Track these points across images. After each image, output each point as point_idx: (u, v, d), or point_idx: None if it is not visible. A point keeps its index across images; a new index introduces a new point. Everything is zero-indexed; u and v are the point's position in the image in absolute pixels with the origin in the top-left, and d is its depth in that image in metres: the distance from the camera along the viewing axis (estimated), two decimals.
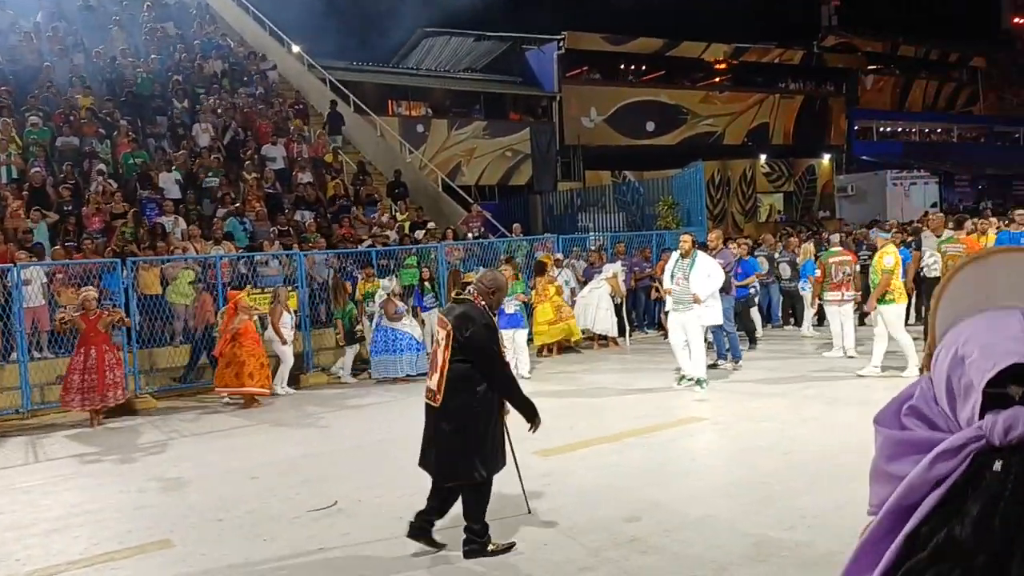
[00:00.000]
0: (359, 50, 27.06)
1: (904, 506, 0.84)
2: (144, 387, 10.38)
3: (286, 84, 20.94)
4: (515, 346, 10.14)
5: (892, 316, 8.75)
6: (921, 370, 0.97)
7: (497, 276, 4.78)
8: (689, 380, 8.87)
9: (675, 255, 9.11)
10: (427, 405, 4.54)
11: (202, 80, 18.76)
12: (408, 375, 10.63)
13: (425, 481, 4.60)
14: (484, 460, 4.35)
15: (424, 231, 15.23)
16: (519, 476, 4.96)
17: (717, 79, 30.27)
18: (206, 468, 6.91)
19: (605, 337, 12.87)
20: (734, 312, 10.69)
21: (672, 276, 8.94)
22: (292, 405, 9.70)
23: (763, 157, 29.16)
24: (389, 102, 24.21)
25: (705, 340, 12.14)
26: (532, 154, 25.67)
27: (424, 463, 4.54)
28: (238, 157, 16.20)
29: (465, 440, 4.35)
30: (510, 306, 10.14)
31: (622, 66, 28.94)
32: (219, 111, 17.40)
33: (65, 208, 12.64)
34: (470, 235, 15.49)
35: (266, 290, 11.27)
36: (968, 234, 11.50)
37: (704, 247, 13.76)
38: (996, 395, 0.82)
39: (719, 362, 10.11)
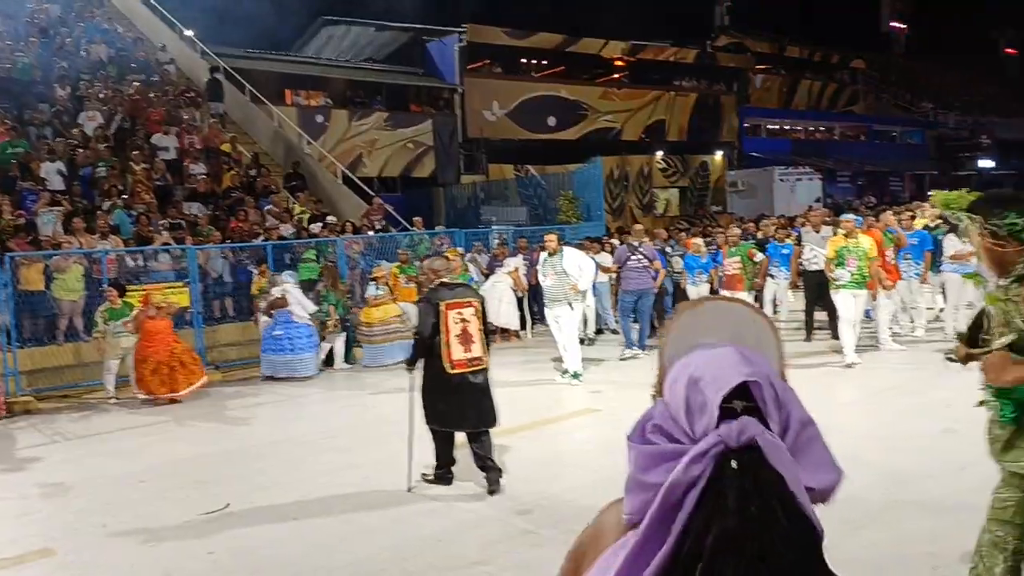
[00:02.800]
0: (256, 38, 26.28)
1: (669, 504, 1.01)
2: (25, 388, 9.90)
3: (177, 71, 20.21)
4: None
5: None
6: (654, 396, 1.17)
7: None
8: (567, 373, 9.15)
9: (544, 253, 9.38)
10: (466, 373, 5.50)
11: (87, 66, 17.92)
12: (303, 373, 10.52)
13: (317, 482, 4.64)
14: None
15: (323, 225, 15.03)
16: (409, 455, 5.40)
17: (616, 76, 30.93)
18: (91, 472, 6.70)
19: (506, 330, 13.08)
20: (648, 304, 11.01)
21: (544, 274, 9.21)
22: (184, 404, 9.46)
23: (659, 153, 30.01)
24: (287, 91, 23.68)
25: (612, 331, 12.68)
26: (435, 146, 25.63)
27: (462, 421, 5.55)
28: (125, 147, 15.56)
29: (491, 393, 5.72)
30: None
31: (523, 60, 29.21)
32: (105, 98, 16.67)
33: None
34: (371, 230, 15.39)
35: (144, 287, 10.87)
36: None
37: (599, 241, 14.25)
38: (726, 410, 1.04)
39: (637, 351, 10.49)
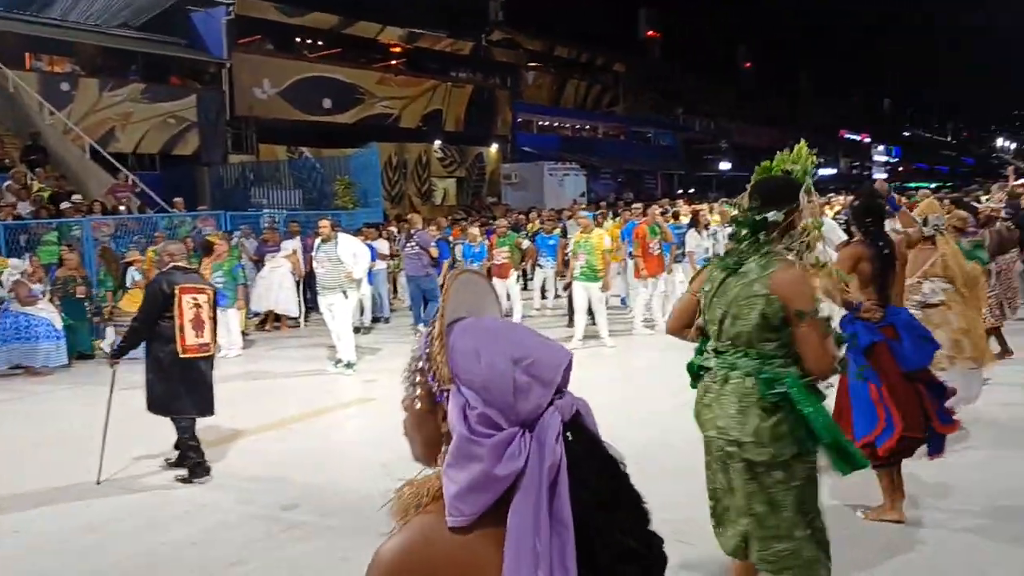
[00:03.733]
0: None
1: (546, 487, 1.05)
2: None
3: None
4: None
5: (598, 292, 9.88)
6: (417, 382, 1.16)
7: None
8: (340, 363, 9.07)
9: (317, 240, 9.26)
10: (199, 358, 5.50)
11: None
12: (45, 366, 9.53)
13: (50, 485, 4.23)
14: None
15: (69, 203, 13.60)
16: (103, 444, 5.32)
17: (393, 62, 30.77)
18: None
19: (280, 317, 12.65)
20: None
21: (317, 260, 9.08)
22: None
23: (437, 142, 30.30)
24: (27, 55, 21.08)
25: (385, 320, 12.62)
26: (199, 123, 24.03)
27: (183, 406, 5.48)
28: None
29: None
30: None
31: (297, 39, 28.19)
32: None
33: None
34: (121, 207, 14.16)
35: None
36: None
37: (377, 228, 14.16)
38: None
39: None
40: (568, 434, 1.07)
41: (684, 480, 4.01)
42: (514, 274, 11.23)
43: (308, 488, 5.24)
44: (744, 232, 2.96)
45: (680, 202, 20.06)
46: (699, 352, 3.09)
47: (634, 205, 13.66)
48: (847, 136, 65.40)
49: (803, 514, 2.86)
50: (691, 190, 37.29)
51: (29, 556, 4.37)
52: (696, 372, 3.09)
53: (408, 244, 11.37)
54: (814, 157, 3.11)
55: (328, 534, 4.47)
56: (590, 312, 9.91)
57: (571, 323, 11.51)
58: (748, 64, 63.52)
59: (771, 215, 2.91)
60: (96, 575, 4.11)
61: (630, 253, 11.96)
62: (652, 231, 10.58)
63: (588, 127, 38.74)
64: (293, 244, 12.82)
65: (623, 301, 12.87)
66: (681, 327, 3.19)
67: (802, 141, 3.16)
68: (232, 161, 23.83)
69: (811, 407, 2.78)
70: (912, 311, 4.92)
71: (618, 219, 13.87)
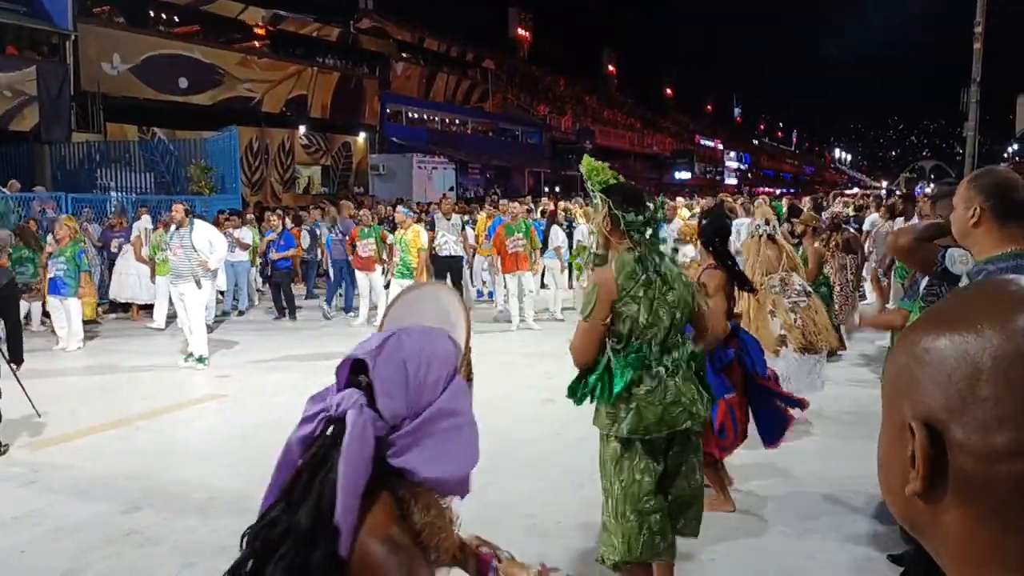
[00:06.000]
0: None
1: (289, 454, 1.21)
2: None
3: None
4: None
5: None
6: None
7: None
8: (191, 356, 8.68)
9: (172, 227, 8.86)
10: None
11: None
12: None
13: None
14: None
15: None
16: None
17: (256, 43, 29.59)
18: None
19: (128, 307, 11.96)
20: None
21: (169, 247, 8.68)
22: None
23: (302, 129, 29.44)
24: None
25: (240, 312, 12.14)
26: (39, 97, 22.21)
27: None
28: None
29: None
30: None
31: (151, 13, 26.60)
32: None
33: None
34: None
35: None
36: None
37: (240, 215, 13.62)
38: (354, 381, 1.21)
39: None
40: (331, 428, 1.18)
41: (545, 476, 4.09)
42: (379, 268, 11.07)
43: (152, 490, 4.97)
44: (643, 235, 3.08)
45: (545, 199, 20.47)
46: (633, 364, 3.02)
47: (502, 201, 13.84)
48: (702, 142, 68.75)
49: None
50: (556, 188, 38.09)
51: None
52: (626, 385, 3.01)
53: (333, 231, 12.60)
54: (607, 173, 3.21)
55: (172, 538, 4.26)
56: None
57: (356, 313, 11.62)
58: (612, 69, 65.58)
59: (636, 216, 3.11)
60: None
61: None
62: (509, 230, 10.70)
63: (457, 121, 38.76)
64: (142, 225, 12.08)
65: (489, 295, 13.01)
66: (594, 356, 3.07)
67: (586, 157, 3.32)
68: (77, 140, 22.21)
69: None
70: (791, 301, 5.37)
71: (483, 214, 13.97)
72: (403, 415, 1.16)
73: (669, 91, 76.36)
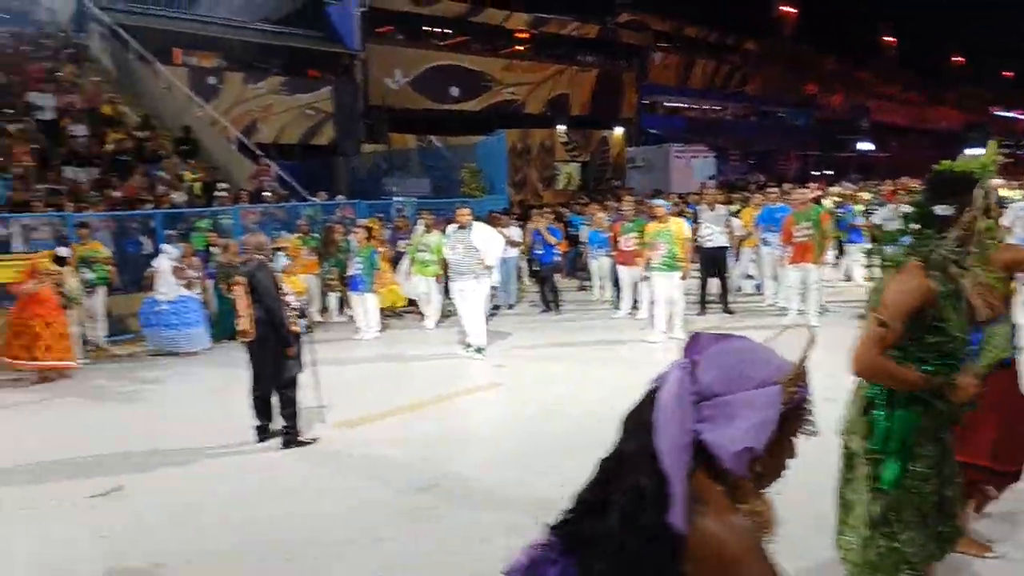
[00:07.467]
0: None
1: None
2: None
3: (55, 23, 18.88)
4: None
5: (679, 281, 9.65)
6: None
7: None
8: (470, 347, 9.20)
9: (452, 226, 9.41)
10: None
11: None
12: (190, 347, 10.15)
13: (206, 464, 4.49)
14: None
15: (223, 192, 14.40)
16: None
17: (519, 48, 30.89)
18: None
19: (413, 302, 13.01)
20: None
21: (451, 247, 9.22)
22: (88, 377, 8.95)
23: (561, 127, 30.24)
24: (176, 51, 22.51)
25: (509, 306, 12.75)
26: (335, 114, 24.97)
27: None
28: None
29: None
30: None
31: (427, 28, 28.76)
32: None
33: None
34: (266, 193, 14.89)
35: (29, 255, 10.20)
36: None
37: (508, 214, 14.31)
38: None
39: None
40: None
41: None
42: (642, 263, 10.95)
43: (443, 470, 5.34)
44: (912, 225, 2.80)
45: (813, 184, 19.20)
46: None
47: (768, 189, 13.17)
48: (1000, 114, 60.58)
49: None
50: (827, 171, 35.61)
51: (195, 528, 4.67)
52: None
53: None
54: (998, 154, 2.87)
55: (466, 516, 4.56)
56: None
57: (703, 311, 11.23)
58: (891, 40, 59.89)
59: (939, 209, 2.75)
60: (254, 545, 4.34)
61: (764, 240, 11.56)
62: (797, 217, 10.10)
63: (716, 108, 37.65)
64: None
65: (757, 287, 12.47)
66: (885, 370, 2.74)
67: (993, 139, 2.93)
68: (365, 151, 24.65)
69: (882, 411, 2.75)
70: None
71: (750, 204, 13.39)
72: (715, 392, 1.27)
73: (958, 59, 68.17)
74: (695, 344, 1.35)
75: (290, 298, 6.30)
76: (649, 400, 1.31)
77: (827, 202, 13.64)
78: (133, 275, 11.20)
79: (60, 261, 9.40)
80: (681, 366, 1.31)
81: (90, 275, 10.05)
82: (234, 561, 4.17)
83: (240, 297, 6.01)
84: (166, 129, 17.36)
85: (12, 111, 14.27)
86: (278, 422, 6.14)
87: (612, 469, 1.30)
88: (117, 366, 9.78)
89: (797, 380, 1.31)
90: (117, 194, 13.12)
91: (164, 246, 10.81)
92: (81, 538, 4.50)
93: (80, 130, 14.84)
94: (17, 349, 8.69)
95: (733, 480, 1.28)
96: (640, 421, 1.29)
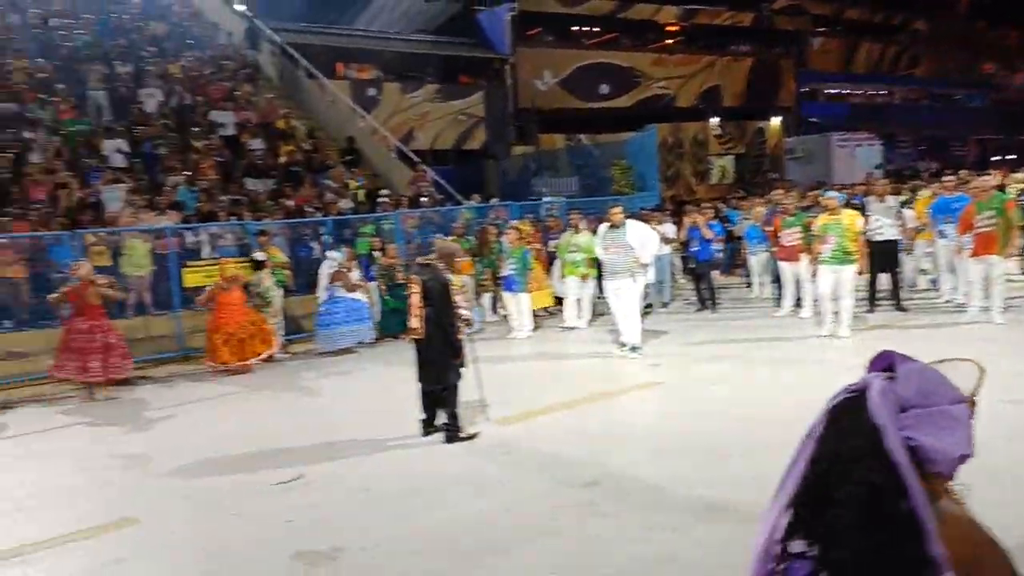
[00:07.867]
0: (305, 10, 26.39)
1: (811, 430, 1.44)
2: None
3: (232, 46, 20.45)
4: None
5: (852, 275, 9.18)
6: None
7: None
8: (626, 346, 9.11)
9: (604, 226, 9.33)
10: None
11: (145, 43, 18.23)
12: (360, 342, 10.71)
13: (377, 456, 4.69)
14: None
15: (385, 198, 15.06)
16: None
17: (669, 41, 30.35)
18: (169, 442, 6.93)
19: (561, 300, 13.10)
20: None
21: (604, 247, 9.17)
22: (255, 376, 9.69)
23: (714, 120, 29.42)
24: (338, 65, 23.76)
25: (663, 304, 12.57)
26: (486, 118, 25.52)
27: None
28: (185, 124, 15.85)
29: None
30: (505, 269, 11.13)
31: (575, 28, 28.82)
32: (164, 75, 16.97)
33: (5, 177, 12.31)
34: (423, 198, 15.44)
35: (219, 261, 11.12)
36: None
37: (661, 211, 14.11)
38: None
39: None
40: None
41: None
42: (804, 259, 10.48)
43: (605, 467, 5.35)
44: None
45: (994, 171, 17.60)
46: None
47: (945, 177, 12.22)
48: None
49: None
50: (1009, 156, 32.58)
51: (375, 516, 4.92)
52: None
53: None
54: None
55: (629, 513, 4.54)
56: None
57: (872, 308, 10.61)
58: None
59: None
60: (422, 536, 4.53)
61: (940, 232, 10.75)
62: (980, 206, 9.34)
63: (883, 92, 35.38)
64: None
65: (933, 283, 11.64)
66: None
67: None
68: (515, 153, 25.03)
69: None
70: None
71: (920, 193, 12.50)
72: (913, 403, 1.35)
73: None
74: (883, 359, 1.44)
75: (462, 309, 6.51)
76: (855, 406, 1.38)
77: (1010, 189, 12.52)
78: (305, 278, 11.94)
79: (258, 265, 10.23)
80: (883, 378, 1.40)
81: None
82: (403, 550, 4.35)
83: (414, 296, 6.27)
84: (332, 140, 18.37)
85: (198, 129, 15.59)
86: (441, 417, 6.37)
87: (830, 469, 1.37)
88: (297, 363, 10.48)
89: (974, 403, 1.42)
90: (290, 203, 14.02)
91: (329, 252, 11.47)
92: (269, 523, 4.85)
93: (257, 144, 15.98)
94: (226, 355, 9.53)
95: (932, 480, 1.36)
96: (853, 425, 1.37)
